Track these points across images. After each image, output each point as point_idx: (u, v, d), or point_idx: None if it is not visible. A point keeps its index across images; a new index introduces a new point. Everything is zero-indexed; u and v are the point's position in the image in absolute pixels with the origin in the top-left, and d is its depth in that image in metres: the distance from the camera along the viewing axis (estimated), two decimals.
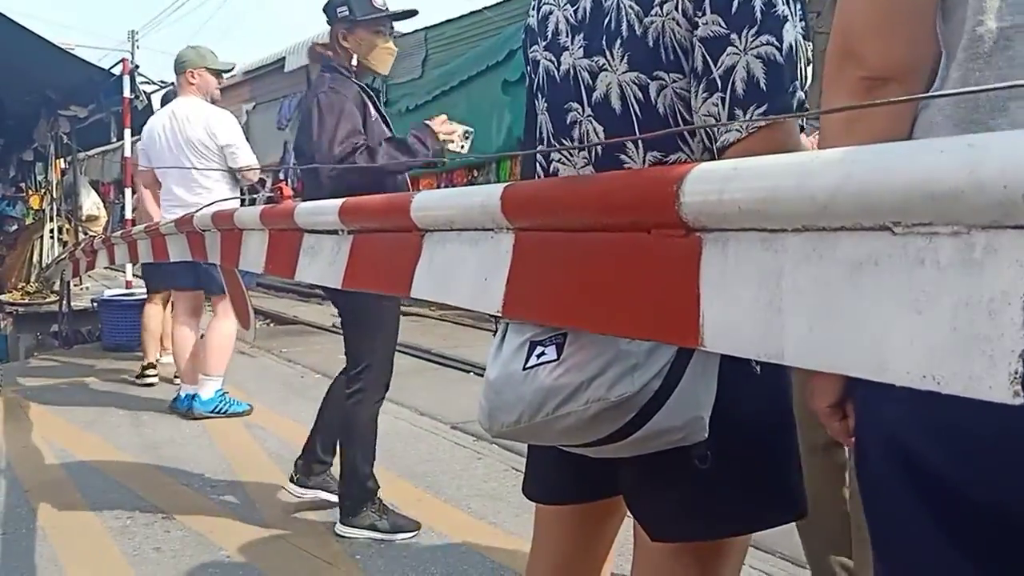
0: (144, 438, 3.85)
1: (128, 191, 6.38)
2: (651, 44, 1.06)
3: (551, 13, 1.20)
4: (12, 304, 6.74)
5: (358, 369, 2.77)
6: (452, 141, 2.78)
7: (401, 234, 1.17)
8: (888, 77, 0.83)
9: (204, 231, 2.19)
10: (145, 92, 6.38)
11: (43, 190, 8.88)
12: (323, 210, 1.40)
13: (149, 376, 4.88)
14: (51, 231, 7.52)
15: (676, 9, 1.04)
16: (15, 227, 9.57)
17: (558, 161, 1.21)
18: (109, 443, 3.77)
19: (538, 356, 1.05)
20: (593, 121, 1.14)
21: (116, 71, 6.41)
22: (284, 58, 15.64)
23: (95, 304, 6.47)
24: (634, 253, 0.76)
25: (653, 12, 1.06)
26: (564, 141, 1.19)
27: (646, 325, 0.75)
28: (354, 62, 2.81)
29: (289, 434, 3.89)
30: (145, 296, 5.11)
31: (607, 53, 1.10)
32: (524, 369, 1.05)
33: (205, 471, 3.34)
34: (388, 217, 1.22)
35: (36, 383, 5.06)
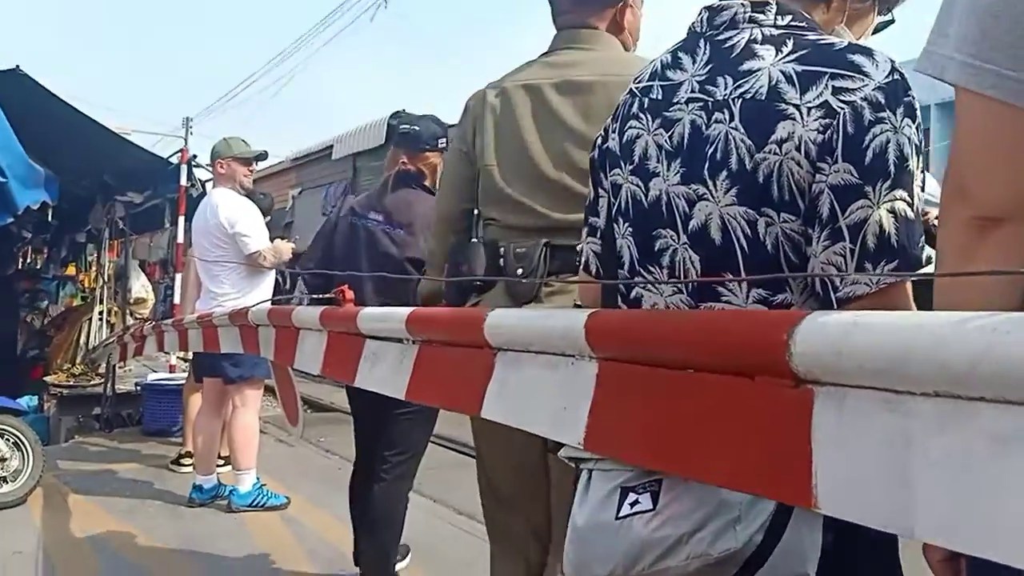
0: (182, 531, 3.80)
1: (178, 276, 6.51)
2: (761, 180, 1.02)
3: (638, 137, 1.17)
4: (57, 386, 6.81)
5: (399, 455, 2.84)
6: None
7: (472, 350, 1.15)
8: (1001, 217, 0.80)
9: (258, 325, 2.20)
10: (200, 180, 6.57)
11: (94, 272, 9.09)
12: (389, 317, 1.39)
13: (185, 465, 4.87)
14: (100, 313, 7.66)
15: (798, 151, 1.00)
16: (47, 303, 9.72)
17: (644, 288, 1.18)
18: (147, 535, 3.73)
19: (631, 504, 1.00)
20: (690, 250, 1.09)
21: (174, 160, 6.64)
22: (332, 146, 16.12)
23: (138, 387, 6.52)
24: (735, 398, 0.73)
25: (767, 149, 1.02)
26: (651, 268, 1.15)
27: (750, 477, 0.72)
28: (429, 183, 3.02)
29: (327, 530, 3.83)
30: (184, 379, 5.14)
31: (709, 183, 1.06)
32: (617, 518, 1.01)
33: (244, 569, 3.28)
34: (459, 331, 1.21)
35: (76, 467, 5.06)
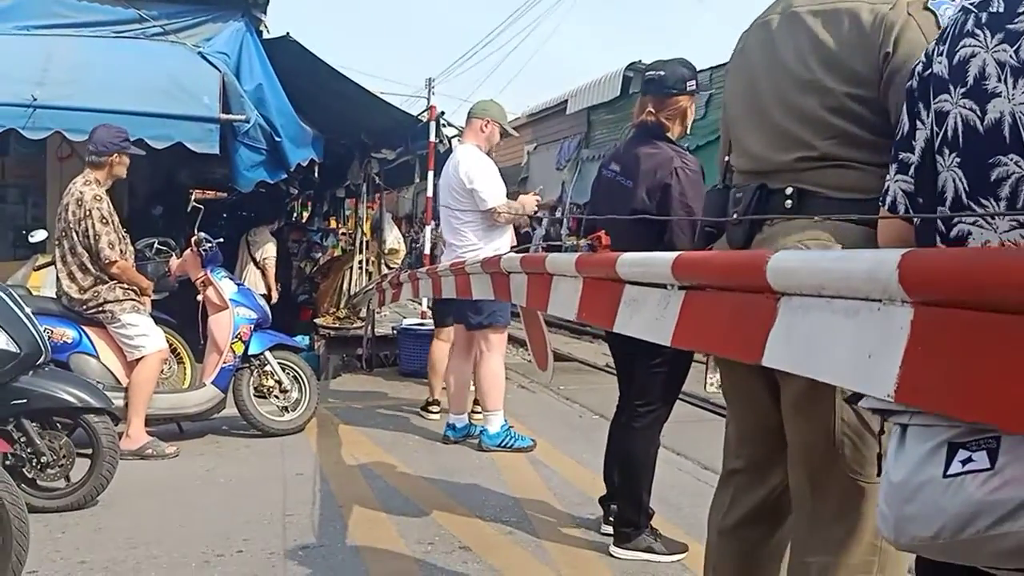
0: (438, 465, 4.06)
1: (428, 228, 6.89)
2: None
3: (973, 56, 1.05)
4: (324, 327, 7.48)
5: (647, 404, 2.93)
6: None
7: (750, 295, 1.09)
8: None
9: (511, 272, 2.25)
10: (447, 136, 6.86)
11: (353, 224, 9.85)
12: (653, 262, 1.35)
13: (432, 412, 5.18)
14: (359, 262, 8.29)
15: None
16: (319, 254, 10.69)
17: (973, 224, 1.06)
18: (408, 466, 4.03)
19: (963, 463, 0.90)
20: None
21: (423, 117, 6.97)
22: (566, 101, 16.23)
23: (394, 331, 7.01)
24: None
25: None
26: (983, 201, 1.04)
27: None
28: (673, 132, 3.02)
29: (572, 474, 3.93)
30: None
31: None
32: (945, 476, 0.92)
33: (495, 504, 3.45)
34: (736, 275, 1.15)
35: (344, 402, 5.56)
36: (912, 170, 1.17)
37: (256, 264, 8.10)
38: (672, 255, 1.28)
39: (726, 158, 1.91)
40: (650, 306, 1.39)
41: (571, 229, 12.05)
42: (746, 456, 1.86)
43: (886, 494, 1.00)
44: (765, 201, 1.72)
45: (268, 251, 8.20)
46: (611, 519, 3.04)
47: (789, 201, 1.69)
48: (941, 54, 1.11)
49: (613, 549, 2.92)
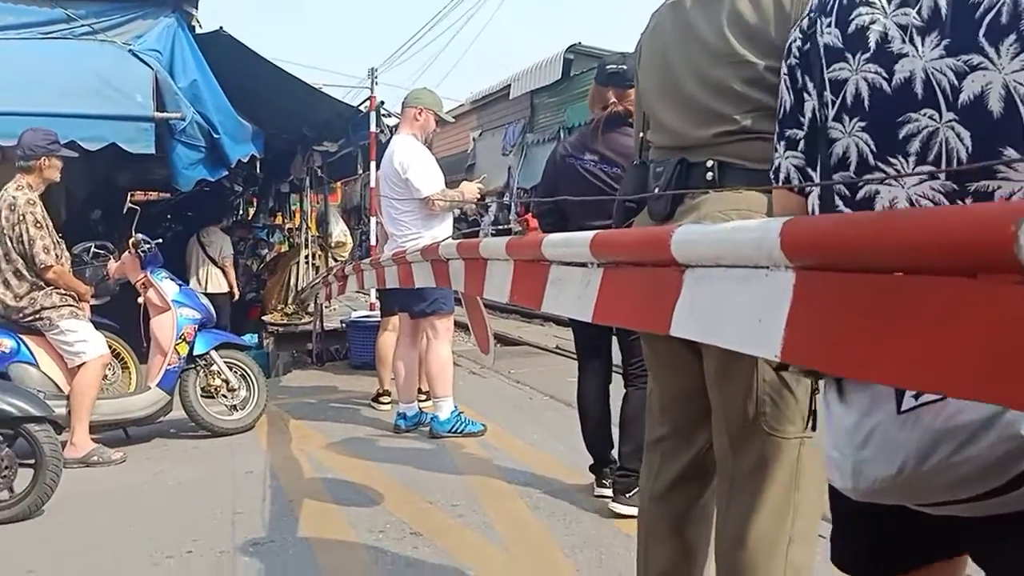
0: (389, 455, 4.08)
1: (373, 219, 6.87)
2: None
3: (873, 22, 1.08)
4: (273, 324, 7.43)
5: (634, 362, 3.12)
6: None
7: (658, 269, 1.13)
8: None
9: (449, 259, 2.28)
10: (388, 127, 6.84)
11: (298, 219, 9.76)
12: (573, 242, 1.40)
13: (383, 403, 5.19)
14: (306, 257, 8.23)
15: None
16: (265, 251, 10.60)
17: (880, 183, 1.09)
18: (359, 458, 4.04)
19: (915, 396, 0.93)
20: (957, 126, 0.99)
21: (363, 108, 6.94)
22: (509, 86, 16.23)
23: (343, 324, 6.99)
24: (953, 300, 0.68)
25: None
26: (892, 160, 1.07)
27: (970, 381, 0.67)
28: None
29: (522, 455, 3.97)
30: None
31: (988, 50, 0.96)
32: (900, 413, 0.94)
33: (447, 489, 3.48)
34: (644, 251, 1.19)
35: (294, 398, 5.54)
36: (802, 144, 1.21)
37: (215, 264, 8.04)
38: (590, 234, 1.32)
39: (641, 134, 1.97)
40: (573, 284, 1.43)
41: (519, 214, 12.10)
42: (670, 422, 1.93)
43: (837, 442, 1.02)
44: (686, 175, 1.79)
45: (226, 249, 8.18)
46: (604, 481, 3.21)
47: (710, 174, 1.76)
48: (829, 25, 1.14)
49: (614, 505, 3.07)
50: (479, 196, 4.95)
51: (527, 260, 1.66)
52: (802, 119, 1.20)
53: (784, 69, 1.24)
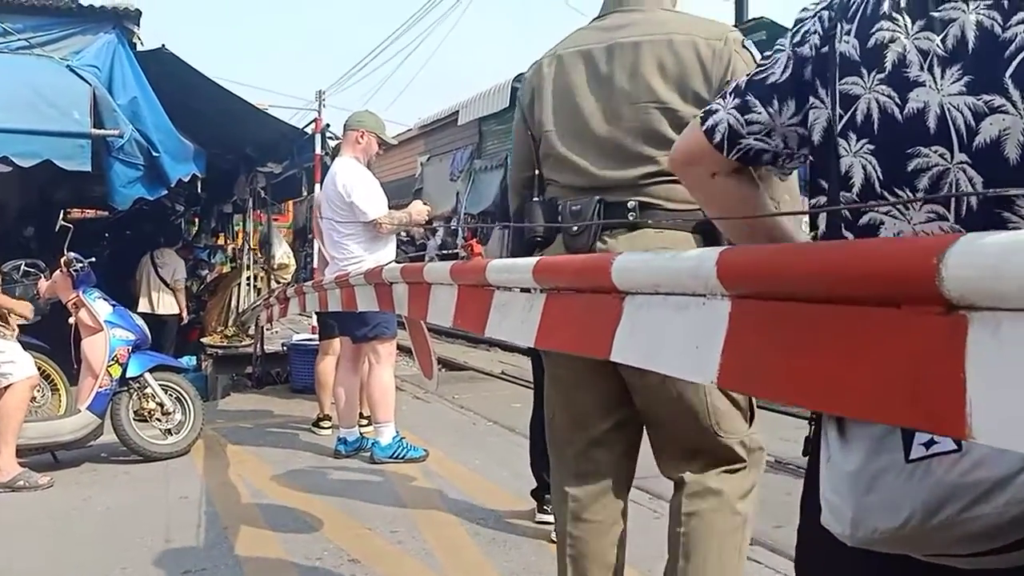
0: (328, 481, 4.01)
1: (316, 241, 6.79)
2: None
3: (892, 41, 1.01)
4: (212, 346, 7.27)
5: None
6: None
7: (599, 295, 1.14)
8: None
9: (392, 283, 2.27)
10: (333, 149, 6.80)
11: (241, 240, 9.61)
12: (516, 268, 1.41)
13: (324, 428, 5.12)
14: (247, 279, 8.10)
15: None
16: (206, 272, 10.40)
17: (885, 214, 1.02)
18: (297, 483, 3.96)
19: (926, 445, 0.87)
20: (969, 169, 0.94)
21: (309, 130, 6.89)
22: (457, 112, 16.29)
23: (284, 347, 6.88)
24: (879, 329, 0.70)
25: None
26: (898, 191, 1.01)
27: (897, 408, 0.69)
28: None
29: (464, 481, 3.95)
30: None
31: (1012, 92, 0.90)
32: (908, 461, 0.87)
33: (386, 516, 3.43)
34: (586, 277, 1.20)
35: (232, 422, 5.42)
36: (761, 117, 1.17)
37: (167, 286, 7.88)
38: (533, 260, 1.34)
39: (535, 172, 2.04)
40: (516, 310, 1.44)
41: (465, 239, 12.09)
42: (584, 439, 1.96)
43: (836, 486, 0.95)
44: (605, 215, 1.86)
45: (179, 273, 8.04)
46: (545, 507, 3.20)
47: (632, 214, 1.85)
48: (848, 33, 1.07)
49: (542, 517, 3.16)
50: (427, 218, 4.94)
51: (471, 285, 1.67)
52: (778, 105, 1.16)
53: (788, 50, 1.16)
